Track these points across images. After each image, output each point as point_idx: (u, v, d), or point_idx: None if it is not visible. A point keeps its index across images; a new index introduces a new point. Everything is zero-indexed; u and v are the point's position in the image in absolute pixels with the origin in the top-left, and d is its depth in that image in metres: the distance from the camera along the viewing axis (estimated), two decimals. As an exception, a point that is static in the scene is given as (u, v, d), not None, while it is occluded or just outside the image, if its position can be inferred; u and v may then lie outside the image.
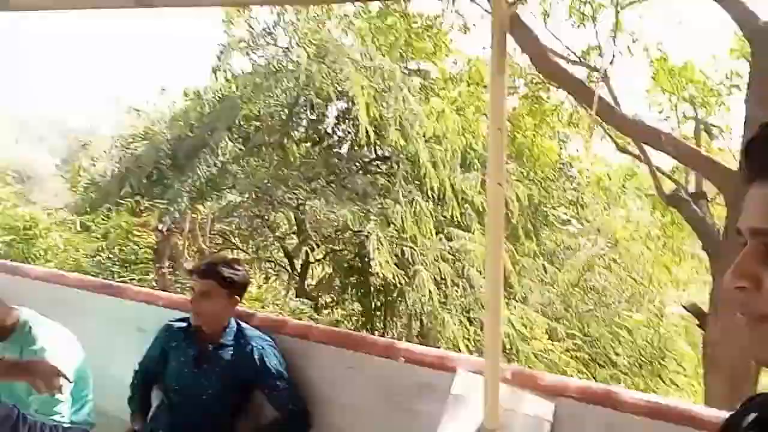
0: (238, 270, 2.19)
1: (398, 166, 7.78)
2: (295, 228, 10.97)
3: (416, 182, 7.91)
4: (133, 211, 6.04)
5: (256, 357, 2.10)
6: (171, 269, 6.03)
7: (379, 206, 7.67)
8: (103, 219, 5.97)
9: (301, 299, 9.82)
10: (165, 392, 2.18)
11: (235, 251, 11.71)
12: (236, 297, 2.20)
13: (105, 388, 2.46)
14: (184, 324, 2.25)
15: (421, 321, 7.83)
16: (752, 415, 0.72)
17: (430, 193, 7.63)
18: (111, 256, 5.41)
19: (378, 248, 7.33)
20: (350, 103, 7.61)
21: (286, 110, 8.06)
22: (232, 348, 2.15)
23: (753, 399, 0.78)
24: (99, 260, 5.27)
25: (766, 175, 0.60)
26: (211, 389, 2.11)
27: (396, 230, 7.56)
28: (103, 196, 8.13)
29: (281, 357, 2.18)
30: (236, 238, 11.50)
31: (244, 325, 2.24)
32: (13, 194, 6.92)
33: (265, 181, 7.96)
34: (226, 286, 2.14)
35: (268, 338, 2.21)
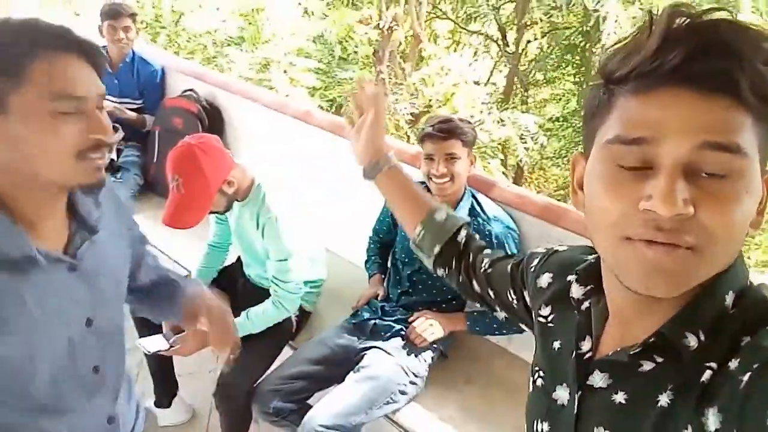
0: (472, 127, 1.86)
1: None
2: (512, -3, 9.88)
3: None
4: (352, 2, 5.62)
5: (494, 243, 1.82)
6: (391, 73, 5.73)
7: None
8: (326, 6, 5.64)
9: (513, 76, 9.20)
10: (393, 263, 2.06)
11: (445, 21, 11.10)
12: (472, 159, 1.89)
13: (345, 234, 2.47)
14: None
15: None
16: (575, 285, 0.70)
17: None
18: (332, 53, 5.22)
19: (616, 31, 6.34)
20: None
21: None
22: (466, 226, 1.90)
23: (549, 255, 0.82)
24: (320, 55, 5.11)
25: (703, 81, 0.49)
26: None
27: (641, 8, 6.32)
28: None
29: (519, 247, 1.89)
30: (447, 4, 10.77)
31: (482, 198, 1.94)
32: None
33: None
34: (468, 146, 1.85)
35: (511, 222, 1.90)
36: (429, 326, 1.88)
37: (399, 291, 2.00)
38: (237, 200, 1.96)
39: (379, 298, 2.04)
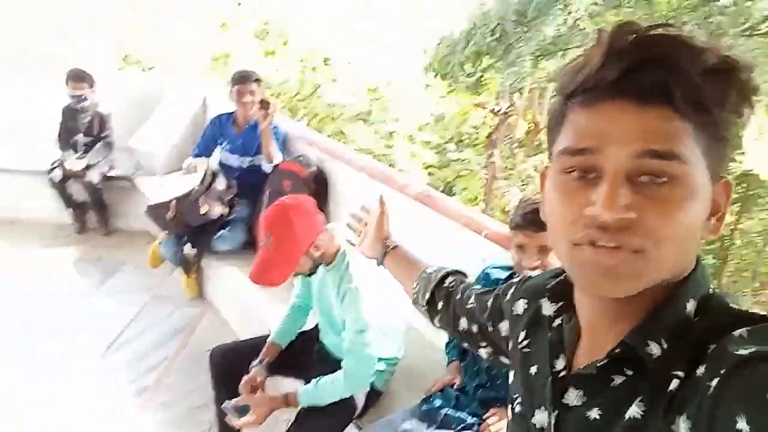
0: None
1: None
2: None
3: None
4: (473, 87, 5.79)
5: None
6: (503, 158, 5.73)
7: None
8: (449, 83, 5.85)
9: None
10: (472, 352, 1.90)
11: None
12: None
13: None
14: (504, 274, 1.89)
15: None
16: (546, 302, 0.73)
17: None
18: (447, 134, 5.35)
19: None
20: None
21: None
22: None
23: (522, 282, 0.83)
24: (437, 136, 5.26)
25: (645, 95, 0.52)
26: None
27: None
28: (451, 52, 8.07)
29: None
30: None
31: None
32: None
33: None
34: None
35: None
36: (505, 426, 1.69)
37: (475, 384, 1.83)
38: (322, 264, 1.95)
39: (455, 387, 1.88)
